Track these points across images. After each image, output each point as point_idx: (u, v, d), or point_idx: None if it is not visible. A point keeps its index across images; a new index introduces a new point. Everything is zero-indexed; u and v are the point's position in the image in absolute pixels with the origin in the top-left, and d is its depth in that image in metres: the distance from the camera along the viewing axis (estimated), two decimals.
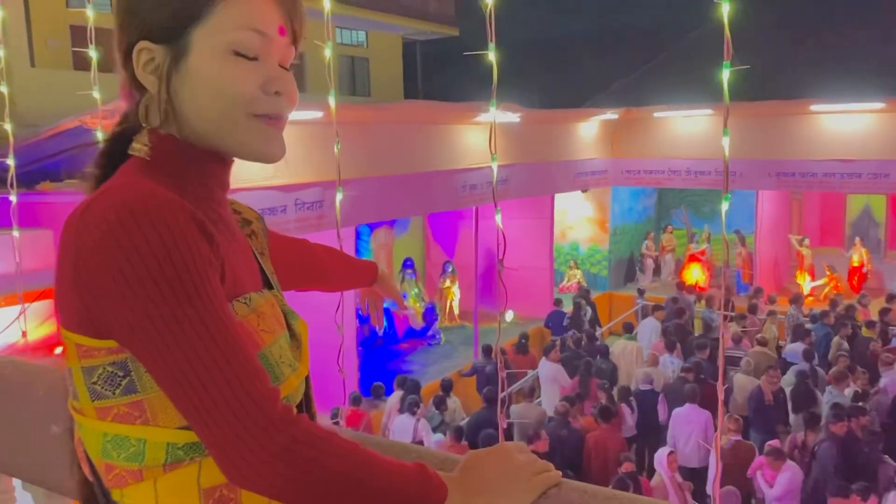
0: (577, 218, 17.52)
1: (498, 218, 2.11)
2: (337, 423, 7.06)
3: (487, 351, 10.52)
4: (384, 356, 12.63)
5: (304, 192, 8.02)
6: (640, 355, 10.29)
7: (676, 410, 8.31)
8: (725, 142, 1.94)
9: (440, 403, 8.91)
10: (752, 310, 12.33)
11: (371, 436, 1.05)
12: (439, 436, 8.13)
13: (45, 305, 6.48)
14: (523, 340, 11.30)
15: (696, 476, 7.69)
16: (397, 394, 9.09)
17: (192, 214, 0.91)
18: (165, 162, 1.02)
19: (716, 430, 3.69)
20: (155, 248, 0.86)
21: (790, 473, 6.81)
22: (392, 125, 10.07)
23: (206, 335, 0.88)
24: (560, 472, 1.06)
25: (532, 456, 1.05)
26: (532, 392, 9.27)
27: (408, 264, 14.36)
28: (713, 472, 7.34)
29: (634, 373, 9.82)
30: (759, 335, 10.60)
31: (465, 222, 13.82)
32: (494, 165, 2.08)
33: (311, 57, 18.25)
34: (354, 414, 8.60)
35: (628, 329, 11.49)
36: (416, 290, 14.02)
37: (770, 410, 8.36)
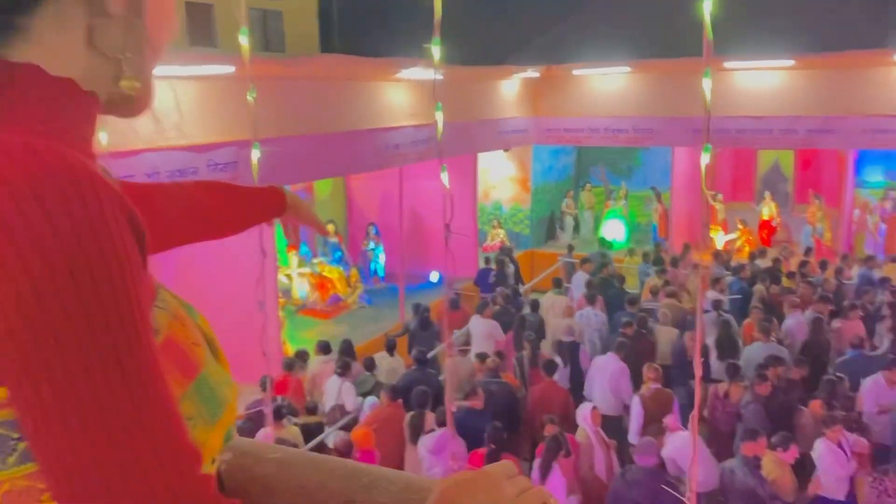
0: (499, 178, 17.52)
1: (444, 177, 1.93)
2: (260, 412, 6.80)
3: (416, 309, 10.55)
4: (310, 323, 12.35)
5: (217, 153, 7.60)
6: (568, 310, 10.43)
7: (596, 358, 8.57)
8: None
9: (371, 366, 8.81)
10: (675, 263, 12.64)
11: (326, 457, 0.87)
12: (373, 398, 8.05)
13: None
14: (455, 296, 11.30)
15: (610, 423, 7.85)
16: (318, 359, 8.98)
17: (119, 199, 0.65)
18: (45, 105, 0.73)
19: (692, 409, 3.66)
20: (69, 252, 0.60)
21: (678, 442, 6.63)
22: (310, 82, 9.66)
23: (126, 381, 0.64)
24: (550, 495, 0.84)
25: (523, 480, 0.82)
26: (464, 350, 9.33)
27: (330, 227, 14.05)
28: (636, 424, 7.54)
29: (555, 325, 9.98)
30: (669, 287, 10.95)
31: (389, 183, 13.56)
32: (439, 117, 1.89)
33: (221, 9, 17.39)
34: (285, 380, 8.41)
35: (557, 284, 11.61)
36: (340, 252, 13.74)
37: (691, 366, 8.52)
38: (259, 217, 1.49)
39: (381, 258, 14.33)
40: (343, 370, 8.21)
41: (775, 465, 6.06)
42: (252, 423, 7.21)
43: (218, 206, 1.37)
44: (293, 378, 8.53)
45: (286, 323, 11.99)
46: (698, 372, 3.03)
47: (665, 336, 9.37)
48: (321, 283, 12.85)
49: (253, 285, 9.46)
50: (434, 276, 14.20)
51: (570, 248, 15.57)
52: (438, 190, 14.04)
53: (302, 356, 9.07)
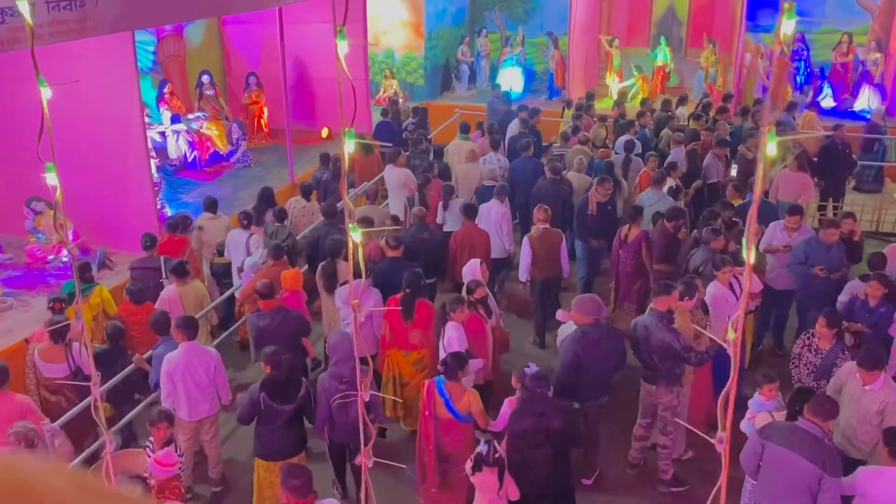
0: (391, 22, 16.34)
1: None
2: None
3: (325, 159, 10.20)
4: (190, 185, 11.39)
5: None
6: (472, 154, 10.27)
7: (482, 206, 8.58)
8: None
9: (283, 216, 8.49)
10: (581, 109, 12.30)
11: None
12: (251, 259, 7.71)
13: None
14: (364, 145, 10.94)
15: (497, 266, 8.48)
16: (205, 216, 8.53)
17: None
18: None
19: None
20: None
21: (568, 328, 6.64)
22: None
23: None
24: None
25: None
26: (375, 196, 8.95)
27: (204, 77, 12.76)
28: (525, 262, 7.51)
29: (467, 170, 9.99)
30: (582, 134, 10.84)
31: (269, 27, 12.28)
32: None
33: None
34: (171, 240, 7.89)
35: (464, 129, 11.37)
36: (218, 106, 12.56)
37: (591, 220, 8.46)
38: None
39: (264, 112, 13.26)
40: (247, 222, 8.00)
41: (679, 314, 6.04)
42: (141, 284, 7.02)
43: None
44: (177, 239, 7.97)
45: (164, 185, 11.01)
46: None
47: (578, 182, 9.50)
48: (199, 141, 11.77)
49: (123, 145, 8.53)
50: (325, 132, 13.33)
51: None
52: (323, 35, 13.07)
53: (185, 217, 8.35)
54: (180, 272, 6.94)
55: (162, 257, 7.41)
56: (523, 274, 7.94)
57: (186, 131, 11.79)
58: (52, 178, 1.65)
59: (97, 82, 7.93)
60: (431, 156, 10.72)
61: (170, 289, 6.96)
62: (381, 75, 16.13)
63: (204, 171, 11.74)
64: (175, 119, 12.01)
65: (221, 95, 13.04)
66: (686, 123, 11.80)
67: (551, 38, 16.83)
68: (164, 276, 7.25)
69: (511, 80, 16.70)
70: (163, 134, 11.83)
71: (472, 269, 6.89)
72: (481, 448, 4.93)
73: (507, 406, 5.36)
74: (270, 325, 6.31)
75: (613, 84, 16.43)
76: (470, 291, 6.46)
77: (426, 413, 5.41)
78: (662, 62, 16.77)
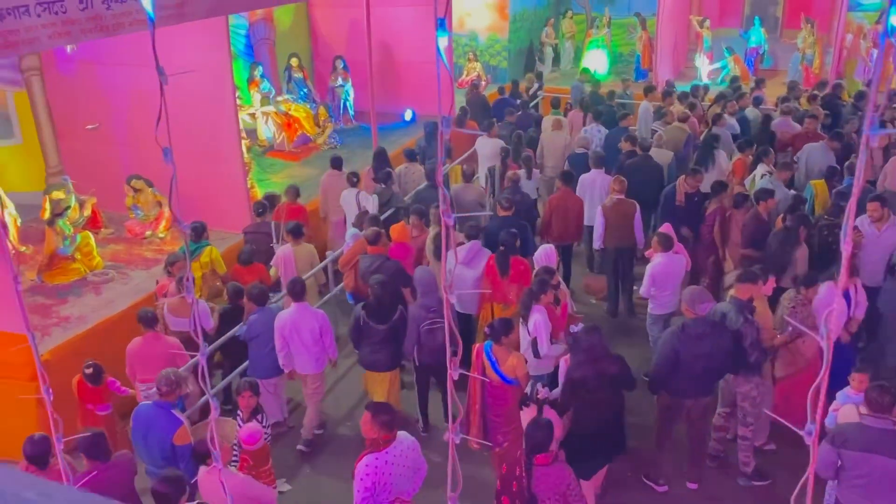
0: (475, 4, 16.30)
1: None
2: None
3: (427, 126, 10.84)
4: (277, 165, 11.73)
5: None
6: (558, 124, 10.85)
7: (582, 177, 8.91)
8: None
9: (386, 178, 9.09)
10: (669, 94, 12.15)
11: None
12: (354, 230, 8.03)
13: None
14: (462, 114, 11.56)
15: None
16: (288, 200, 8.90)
17: None
18: None
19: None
20: None
21: (664, 260, 6.90)
22: None
23: None
24: None
25: None
26: (471, 176, 9.28)
27: (293, 61, 13.05)
28: (598, 230, 8.20)
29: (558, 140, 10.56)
30: (683, 112, 10.88)
31: (356, 12, 12.46)
32: None
33: None
34: (290, 207, 8.53)
35: (555, 104, 12.14)
36: (306, 90, 12.86)
37: (679, 211, 8.30)
38: None
39: (351, 95, 13.48)
40: (356, 180, 8.87)
41: (758, 302, 5.87)
42: (251, 247, 7.75)
43: None
44: (295, 206, 8.65)
45: (253, 166, 11.38)
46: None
47: (657, 156, 9.61)
48: (287, 123, 12.10)
49: (216, 126, 8.87)
50: (408, 115, 13.47)
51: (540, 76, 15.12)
52: (410, 17, 13.23)
53: (272, 200, 8.64)
54: (296, 233, 7.65)
55: (273, 223, 8.07)
56: (597, 241, 8.32)
57: (275, 113, 12.12)
58: (167, 161, 1.76)
59: (193, 65, 8.24)
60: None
61: (285, 248, 7.67)
62: (465, 58, 16.12)
63: (291, 153, 12.06)
64: (265, 101, 12.36)
65: (309, 78, 13.33)
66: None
67: (639, 18, 16.44)
68: (274, 240, 7.93)
69: (596, 61, 16.41)
70: (253, 115, 12.21)
71: (545, 255, 6.90)
72: (528, 389, 5.37)
73: (564, 364, 5.57)
74: (370, 269, 6.96)
75: (703, 66, 15.93)
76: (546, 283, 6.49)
77: (474, 375, 5.74)
78: (756, 44, 16.14)
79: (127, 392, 6.16)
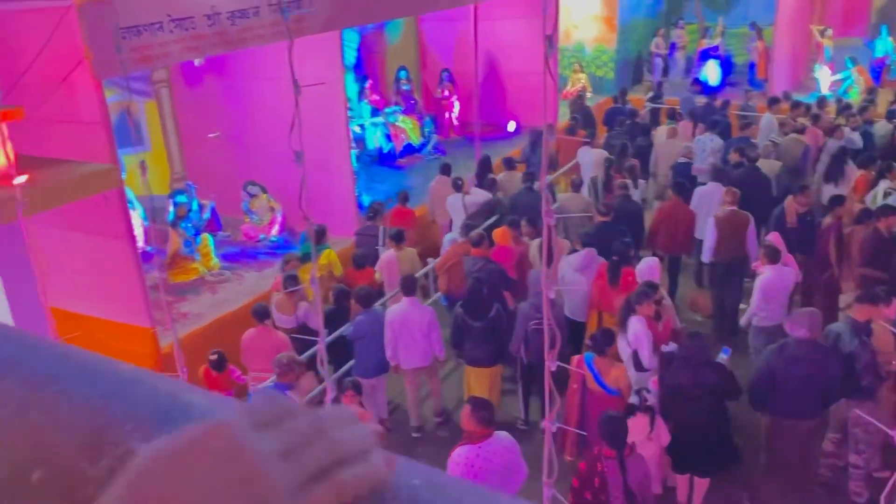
0: (582, 15, 16.22)
1: None
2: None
3: (534, 135, 10.89)
4: (383, 175, 12.07)
5: None
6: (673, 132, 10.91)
7: (699, 189, 8.73)
8: None
9: (491, 185, 9.42)
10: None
11: None
12: (452, 234, 8.34)
13: None
14: (573, 124, 11.74)
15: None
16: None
17: None
18: None
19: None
20: None
21: (773, 273, 6.61)
22: None
23: None
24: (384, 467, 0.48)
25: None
26: (579, 186, 9.32)
27: (402, 73, 13.41)
28: (709, 242, 7.92)
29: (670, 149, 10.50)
30: (802, 123, 10.61)
31: (463, 25, 12.67)
32: None
33: None
34: (400, 211, 9.08)
35: (671, 116, 12.14)
36: (413, 101, 13.17)
37: (791, 233, 7.94)
38: None
39: (455, 106, 13.70)
40: (460, 183, 9.11)
41: (878, 326, 5.55)
42: (363, 250, 8.21)
43: None
44: (405, 210, 9.16)
45: (361, 174, 11.75)
46: None
47: (766, 166, 9.39)
48: (394, 134, 12.43)
49: (329, 136, 9.25)
50: (511, 126, 13.55)
51: (660, 86, 14.67)
52: (516, 31, 13.29)
53: (377, 208, 8.91)
54: (398, 239, 7.90)
55: (381, 227, 8.44)
56: (707, 254, 8.01)
57: (384, 124, 12.49)
58: (298, 166, 1.90)
59: (308, 77, 8.63)
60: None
61: (389, 253, 7.94)
62: (570, 69, 16.05)
63: (397, 162, 12.37)
64: (374, 112, 12.76)
65: (416, 90, 13.65)
66: None
67: (755, 28, 15.88)
68: (380, 243, 8.27)
69: (708, 72, 15.97)
70: (362, 126, 12.62)
71: (648, 269, 6.80)
72: (633, 399, 5.31)
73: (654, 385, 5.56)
74: (472, 270, 7.19)
75: (823, 77, 15.20)
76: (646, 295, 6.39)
77: (574, 386, 5.77)
78: (883, 53, 15.26)
79: (245, 380, 6.52)
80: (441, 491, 0.46)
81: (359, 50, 13.43)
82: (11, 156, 5.06)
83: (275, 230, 9.45)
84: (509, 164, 10.17)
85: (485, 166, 9.92)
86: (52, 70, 5.69)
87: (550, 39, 1.32)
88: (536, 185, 8.84)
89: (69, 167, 5.76)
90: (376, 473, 0.46)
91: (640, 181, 9.72)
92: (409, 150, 12.56)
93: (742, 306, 7.84)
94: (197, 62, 9.39)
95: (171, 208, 8.74)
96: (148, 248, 8.97)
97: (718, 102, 12.80)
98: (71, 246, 6.53)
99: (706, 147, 10.43)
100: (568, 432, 5.82)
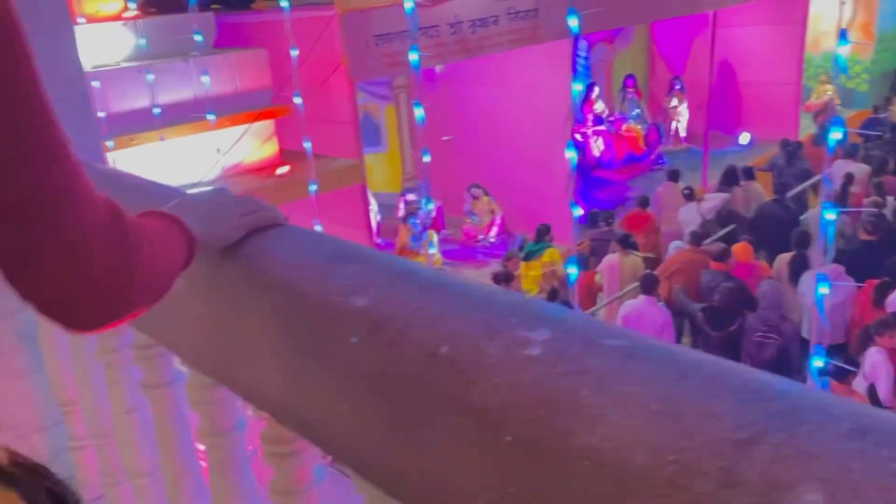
0: (834, 23, 14.88)
1: None
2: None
3: (784, 144, 10.36)
4: (602, 183, 11.96)
5: (516, 1, 7.27)
6: None
7: None
8: None
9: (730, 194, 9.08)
10: None
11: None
12: (677, 242, 8.11)
13: (266, 126, 6.65)
14: (822, 129, 10.87)
15: None
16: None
17: None
18: None
19: None
20: None
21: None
22: None
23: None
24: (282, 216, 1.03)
25: (252, 201, 1.03)
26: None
27: (629, 82, 13.20)
28: None
29: None
30: None
31: (699, 31, 12.21)
32: None
33: None
34: (638, 215, 9.00)
35: None
36: (638, 110, 12.92)
37: None
38: None
39: (685, 116, 13.22)
40: (689, 192, 8.88)
41: None
42: (588, 253, 8.38)
43: None
44: (643, 215, 9.05)
45: (580, 182, 11.74)
46: None
47: None
48: (616, 142, 12.27)
49: (551, 143, 9.38)
50: (744, 139, 12.81)
51: None
52: (756, 37, 12.53)
53: (593, 217, 8.87)
54: (625, 244, 7.82)
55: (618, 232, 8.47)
56: None
57: (606, 132, 12.38)
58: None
59: (538, 85, 8.82)
60: None
61: (612, 256, 7.87)
62: (816, 80, 14.81)
63: (618, 171, 12.20)
64: (597, 121, 12.68)
65: (643, 98, 13.37)
66: None
67: None
68: (612, 249, 8.26)
69: None
70: (584, 134, 12.60)
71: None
72: None
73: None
74: (709, 285, 6.89)
75: None
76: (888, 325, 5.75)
77: None
78: None
79: None
80: None
81: (587, 58, 13.44)
82: (276, 148, 5.72)
83: (493, 232, 9.75)
84: (748, 173, 9.63)
85: (730, 177, 9.50)
86: (313, 73, 6.34)
87: (844, 34, 1.27)
88: (787, 198, 8.50)
89: (323, 161, 6.39)
90: (280, 217, 1.01)
91: (890, 199, 8.73)
92: (631, 159, 12.33)
93: None
94: (438, 69, 9.93)
95: (402, 205, 9.34)
96: (378, 241, 9.69)
97: None
98: None
99: None
100: None
